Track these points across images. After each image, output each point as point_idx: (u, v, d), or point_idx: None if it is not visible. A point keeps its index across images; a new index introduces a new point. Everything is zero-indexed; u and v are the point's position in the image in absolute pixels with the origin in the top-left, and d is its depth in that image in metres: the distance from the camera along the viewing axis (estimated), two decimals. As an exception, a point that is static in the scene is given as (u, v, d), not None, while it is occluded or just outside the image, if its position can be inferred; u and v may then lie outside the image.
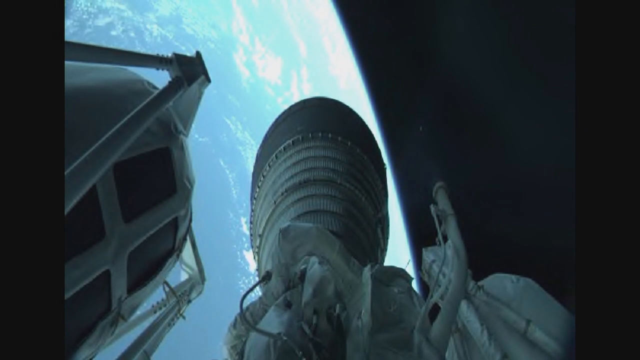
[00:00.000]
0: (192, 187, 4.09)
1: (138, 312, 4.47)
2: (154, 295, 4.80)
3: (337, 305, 3.39)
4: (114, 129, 2.50)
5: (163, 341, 4.77)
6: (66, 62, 2.61)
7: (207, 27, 58.68)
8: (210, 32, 59.12)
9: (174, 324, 5.20)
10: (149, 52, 3.57)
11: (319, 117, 9.07)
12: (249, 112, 55.17)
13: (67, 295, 2.68)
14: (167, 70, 3.59)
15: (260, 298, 4.62)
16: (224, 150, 53.33)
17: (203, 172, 46.33)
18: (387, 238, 8.72)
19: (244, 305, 3.80)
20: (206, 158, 50.52)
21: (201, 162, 47.41)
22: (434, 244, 4.49)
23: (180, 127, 3.84)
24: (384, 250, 8.37)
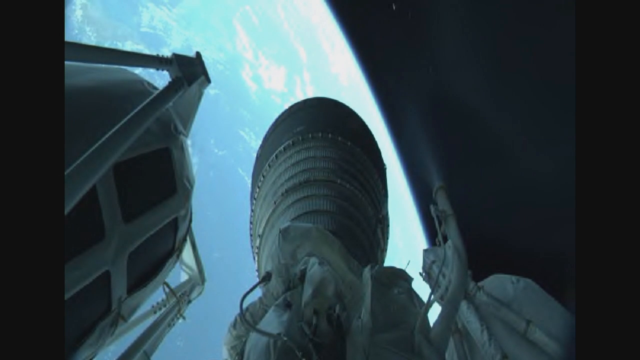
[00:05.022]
0: (192, 187, 4.09)
1: (138, 313, 4.47)
2: (154, 295, 4.80)
3: (337, 306, 3.39)
4: (114, 129, 2.50)
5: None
6: (66, 62, 2.61)
7: (214, 51, 63.86)
8: (218, 54, 64.64)
9: (174, 325, 5.21)
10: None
11: (318, 118, 9.06)
12: (260, 122, 60.18)
13: (67, 296, 2.67)
14: (167, 70, 3.59)
15: (260, 298, 4.61)
16: (242, 160, 58.16)
17: (225, 181, 53.65)
18: (387, 238, 8.71)
19: (244, 306, 3.80)
20: (226, 168, 56.80)
21: (223, 173, 54.90)
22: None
23: (180, 127, 3.83)
24: (384, 250, 8.37)
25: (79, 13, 48.00)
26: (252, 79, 68.28)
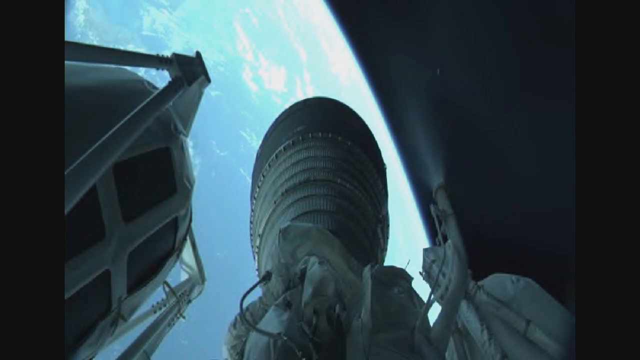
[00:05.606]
0: (192, 187, 4.09)
1: (138, 312, 4.47)
2: (154, 295, 4.81)
3: (337, 305, 3.39)
4: (114, 129, 2.50)
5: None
6: (66, 62, 2.60)
7: (215, 53, 65.12)
8: (219, 56, 65.88)
9: (174, 324, 5.21)
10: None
11: (318, 117, 9.05)
12: (260, 122, 61.41)
13: (67, 295, 2.67)
14: (167, 70, 3.58)
15: (260, 298, 4.61)
16: (243, 160, 59.40)
17: (227, 181, 55.18)
18: (387, 238, 8.71)
19: (244, 305, 3.80)
20: (228, 169, 58.30)
21: (225, 173, 56.45)
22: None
23: (180, 127, 3.83)
24: (384, 250, 8.36)
25: (81, 17, 49.09)
26: (253, 79, 69.51)
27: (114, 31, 53.63)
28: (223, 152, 58.94)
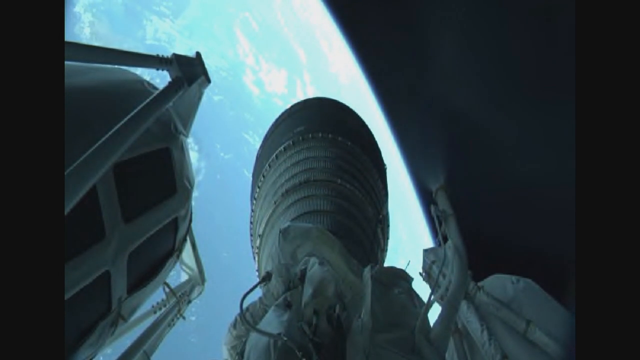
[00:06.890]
0: (192, 187, 4.09)
1: (138, 313, 4.47)
2: (154, 295, 4.81)
3: (337, 306, 3.39)
4: (114, 129, 2.50)
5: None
6: (67, 63, 2.61)
7: (217, 59, 66.12)
8: (221, 62, 66.80)
9: (174, 325, 5.21)
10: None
11: (318, 117, 9.05)
12: (263, 124, 62.55)
13: (67, 296, 2.67)
14: (167, 70, 3.58)
15: (260, 298, 4.61)
16: (247, 162, 62.89)
17: (232, 182, 55.34)
18: (388, 238, 8.71)
19: (244, 306, 3.79)
20: (233, 171, 58.99)
21: (229, 175, 57.03)
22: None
23: (180, 127, 3.83)
24: (384, 250, 8.36)
25: (87, 30, 50.14)
26: (254, 83, 70.29)
27: (118, 42, 54.39)
28: (227, 154, 60.18)
